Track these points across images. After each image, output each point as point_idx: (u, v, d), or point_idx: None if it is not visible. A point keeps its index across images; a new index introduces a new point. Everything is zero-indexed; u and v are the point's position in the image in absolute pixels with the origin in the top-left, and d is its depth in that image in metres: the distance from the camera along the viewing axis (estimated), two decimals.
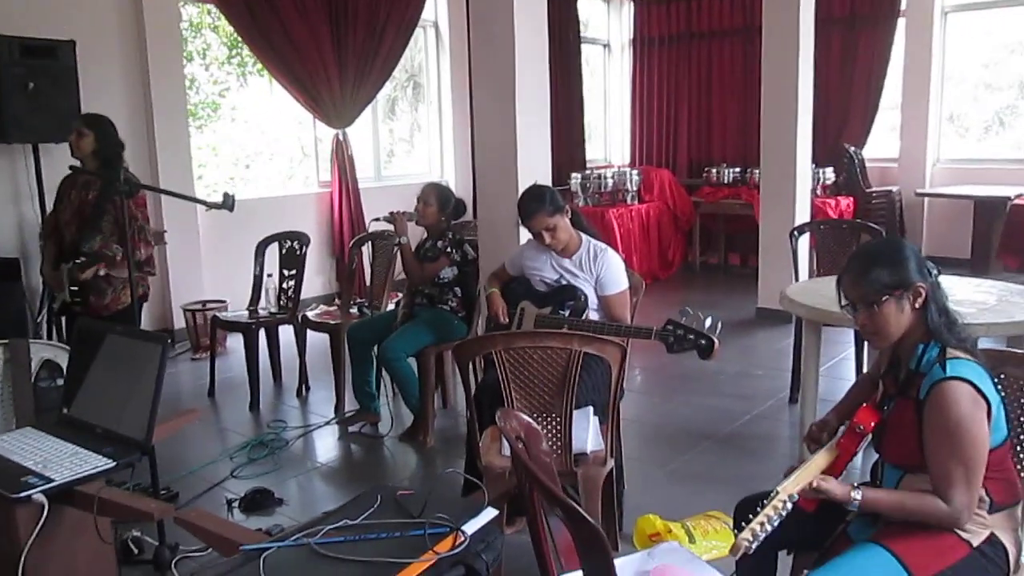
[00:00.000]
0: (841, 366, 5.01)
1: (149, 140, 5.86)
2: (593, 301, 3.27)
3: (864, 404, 2.05)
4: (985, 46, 8.17)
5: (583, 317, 3.21)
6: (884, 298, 1.90)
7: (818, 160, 7.20)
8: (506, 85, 4.11)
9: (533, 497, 1.63)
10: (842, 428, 2.08)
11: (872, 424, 1.97)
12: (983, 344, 2.07)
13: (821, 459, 1.97)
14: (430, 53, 8.19)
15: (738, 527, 2.01)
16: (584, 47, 9.22)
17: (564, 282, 3.31)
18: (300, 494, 3.60)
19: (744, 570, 2.07)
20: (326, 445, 4.21)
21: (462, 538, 1.70)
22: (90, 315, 3.68)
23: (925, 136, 8.02)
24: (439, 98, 8.21)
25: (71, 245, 3.78)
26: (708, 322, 2.88)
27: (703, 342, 2.86)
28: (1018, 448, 2.06)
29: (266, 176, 7.54)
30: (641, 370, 5.20)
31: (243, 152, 7.50)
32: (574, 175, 7.99)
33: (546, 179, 4.16)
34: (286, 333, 4.96)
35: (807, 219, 6.20)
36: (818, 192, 7.55)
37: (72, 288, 3.72)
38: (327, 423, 4.41)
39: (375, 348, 4.13)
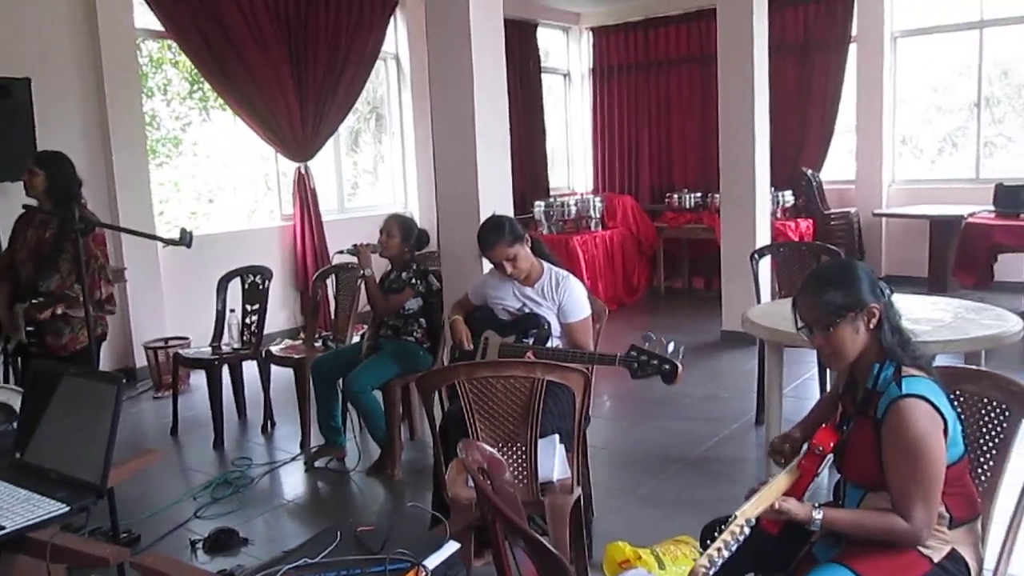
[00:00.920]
0: (805, 386, 5.06)
1: (108, 177, 5.79)
2: (556, 329, 3.28)
3: (823, 425, 2.07)
4: (935, 70, 8.40)
5: (547, 345, 3.21)
6: (838, 320, 1.93)
7: (777, 183, 7.31)
8: (465, 117, 4.12)
9: (496, 529, 1.62)
10: (804, 448, 2.10)
11: (831, 445, 1.99)
12: (940, 361, 2.11)
13: (782, 481, 1.98)
14: (392, 85, 8.23)
15: (705, 549, 2.01)
16: (545, 77, 9.34)
17: (527, 310, 3.32)
18: (266, 532, 3.54)
19: None
20: (292, 482, 4.15)
21: (423, 573, 1.69)
22: (47, 356, 3.61)
23: (880, 158, 8.19)
24: (401, 130, 8.24)
25: (28, 284, 3.72)
26: (671, 347, 2.91)
27: (667, 367, 2.88)
28: (976, 464, 2.09)
29: (229, 210, 7.48)
30: (609, 396, 5.21)
31: (206, 187, 7.43)
32: (537, 203, 8.02)
33: (508, 209, 4.16)
34: (250, 369, 4.89)
35: (767, 242, 6.29)
36: (778, 215, 7.68)
37: (28, 328, 3.65)
38: (293, 459, 4.35)
39: (340, 381, 4.09)
